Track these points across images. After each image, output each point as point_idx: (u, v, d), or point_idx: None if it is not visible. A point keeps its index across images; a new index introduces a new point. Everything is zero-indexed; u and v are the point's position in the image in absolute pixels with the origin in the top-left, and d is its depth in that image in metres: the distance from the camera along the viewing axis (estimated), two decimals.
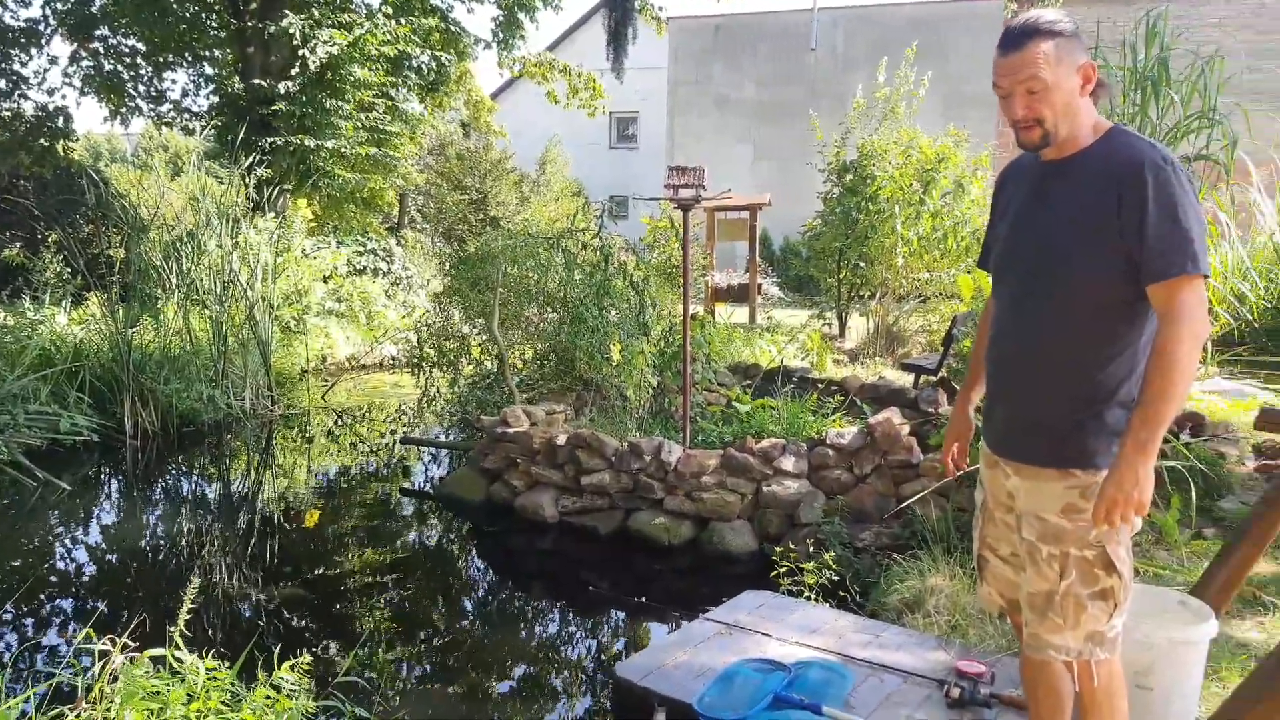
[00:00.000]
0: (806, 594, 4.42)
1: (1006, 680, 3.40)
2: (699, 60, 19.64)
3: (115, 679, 2.43)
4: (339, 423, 9.44)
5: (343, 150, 12.03)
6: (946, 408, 6.20)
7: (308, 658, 2.71)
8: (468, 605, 5.19)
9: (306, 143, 11.59)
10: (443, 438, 8.48)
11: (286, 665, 2.66)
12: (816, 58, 18.86)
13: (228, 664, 2.64)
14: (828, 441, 5.61)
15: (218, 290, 8.98)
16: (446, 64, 13.90)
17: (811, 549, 4.90)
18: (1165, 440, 2.38)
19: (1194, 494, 4.63)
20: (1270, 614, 3.86)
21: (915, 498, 5.09)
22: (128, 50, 13.73)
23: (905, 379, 7.88)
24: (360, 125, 12.30)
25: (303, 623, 4.71)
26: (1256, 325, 7.32)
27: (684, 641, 3.81)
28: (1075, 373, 2.22)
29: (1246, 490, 5.00)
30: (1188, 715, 3.11)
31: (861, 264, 10.47)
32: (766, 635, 3.83)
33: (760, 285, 11.98)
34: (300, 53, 11.39)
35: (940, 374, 7.56)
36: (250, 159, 9.99)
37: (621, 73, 17.15)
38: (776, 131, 19.07)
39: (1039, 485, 2.29)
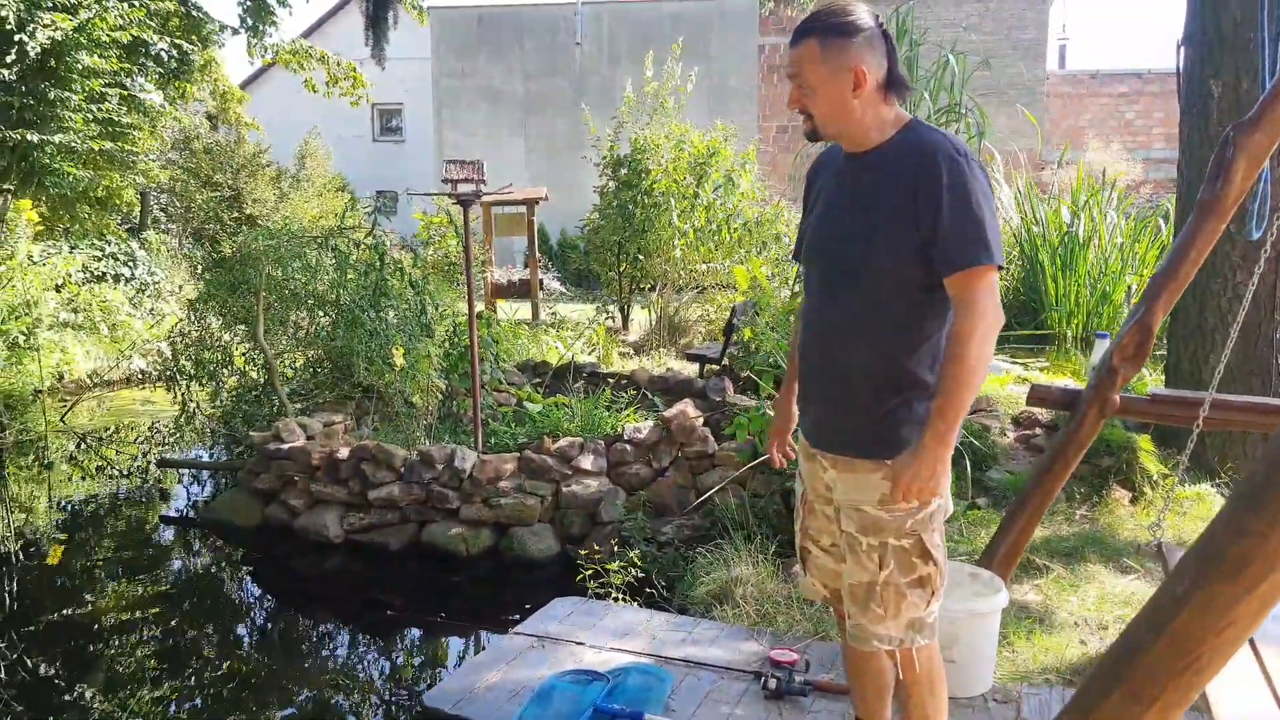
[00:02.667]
0: (614, 595, 4.34)
1: (818, 665, 3.45)
2: (463, 52, 19.21)
3: None
4: (82, 446, 8.45)
5: (72, 145, 10.78)
6: (734, 396, 6.31)
7: None
8: (247, 638, 4.71)
9: (29, 137, 10.29)
10: (206, 458, 7.77)
11: None
12: (582, 51, 18.91)
13: None
14: (625, 437, 5.56)
15: None
16: (189, 51, 12.79)
17: (616, 547, 4.83)
18: None
19: (968, 466, 4.93)
20: (1044, 576, 4.15)
21: (715, 489, 5.13)
22: None
23: (692, 369, 8.00)
24: (92, 118, 11.06)
25: (53, 670, 4.12)
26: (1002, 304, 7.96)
27: (495, 660, 3.62)
28: (883, 363, 2.23)
29: (1009, 460, 5.40)
30: (985, 682, 3.27)
31: (641, 257, 10.56)
32: (580, 644, 3.70)
33: (541, 280, 11.84)
34: (17, 38, 10.08)
35: (723, 362, 7.74)
36: None
37: (383, 60, 16.44)
38: (547, 125, 18.99)
39: (855, 477, 2.29)
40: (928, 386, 2.22)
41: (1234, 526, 1.24)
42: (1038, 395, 3.53)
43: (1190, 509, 4.79)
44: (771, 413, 5.28)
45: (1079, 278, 8.06)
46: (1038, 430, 5.80)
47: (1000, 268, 2.11)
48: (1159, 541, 3.05)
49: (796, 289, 8.22)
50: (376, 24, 16.03)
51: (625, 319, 11.21)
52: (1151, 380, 5.91)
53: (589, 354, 8.68)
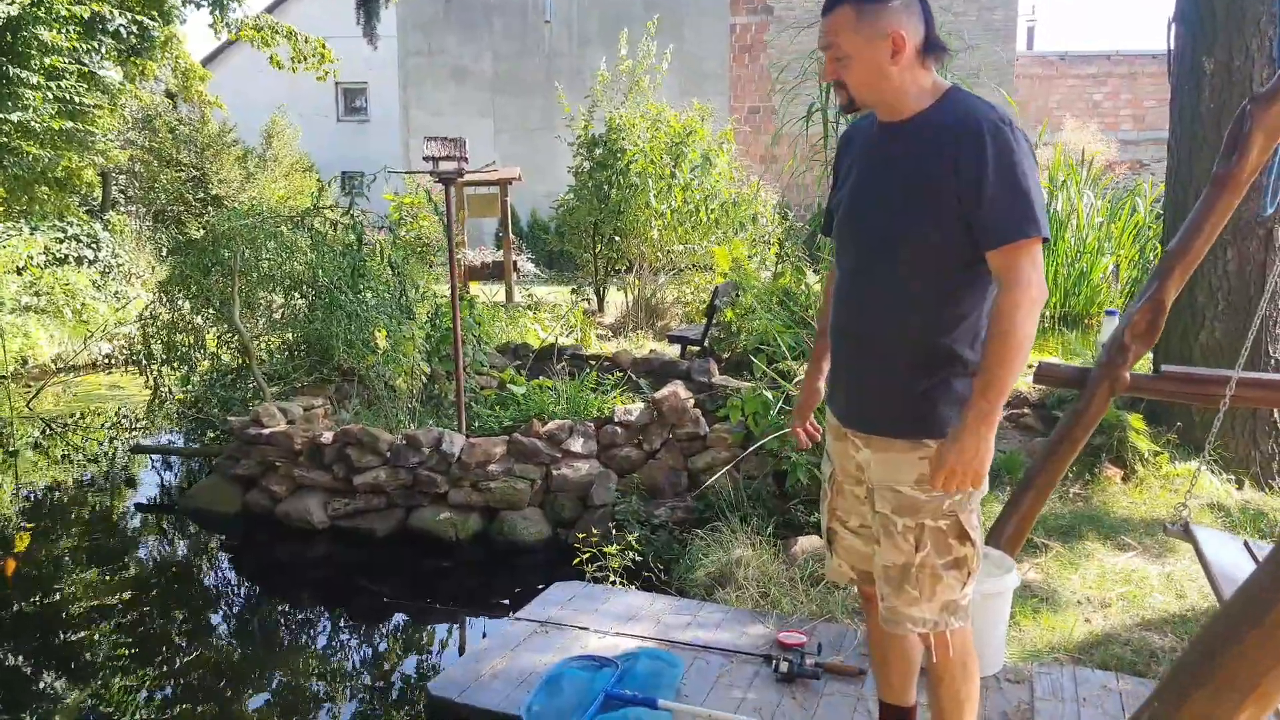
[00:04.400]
0: (612, 579, 4.28)
1: (828, 647, 3.42)
2: (430, 31, 18.90)
3: None
4: (48, 433, 8.22)
5: (30, 124, 10.44)
6: (720, 377, 6.26)
7: None
8: (234, 630, 4.57)
9: None
10: (180, 443, 7.58)
11: None
12: (552, 31, 18.69)
13: None
14: (615, 419, 5.49)
15: None
16: (150, 27, 12.43)
17: (612, 531, 4.77)
18: None
19: None
20: (1044, 554, 4.15)
21: (715, 474, 5.08)
22: None
23: (674, 351, 7.95)
24: (51, 95, 10.72)
25: (24, 661, 3.98)
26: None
27: (499, 646, 3.55)
28: (920, 340, 2.16)
29: (1000, 439, 5.36)
30: (997, 662, 3.26)
31: (617, 238, 10.47)
32: (585, 629, 3.64)
33: (515, 262, 11.70)
34: None
35: (705, 344, 7.70)
36: None
37: (375, 40, 16.15)
38: (516, 104, 18.76)
39: (891, 457, 2.22)
40: (967, 364, 2.15)
41: None
42: (1045, 373, 3.51)
43: (1189, 486, 4.81)
44: (767, 394, 5.27)
45: (1057, 257, 8.10)
46: (1026, 409, 5.82)
47: (1046, 240, 2.05)
48: (1184, 522, 3.04)
49: (778, 269, 8.18)
50: (369, 2, 15.71)
51: (601, 301, 11.13)
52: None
53: (568, 336, 8.59)
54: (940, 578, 2.22)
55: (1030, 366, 3.95)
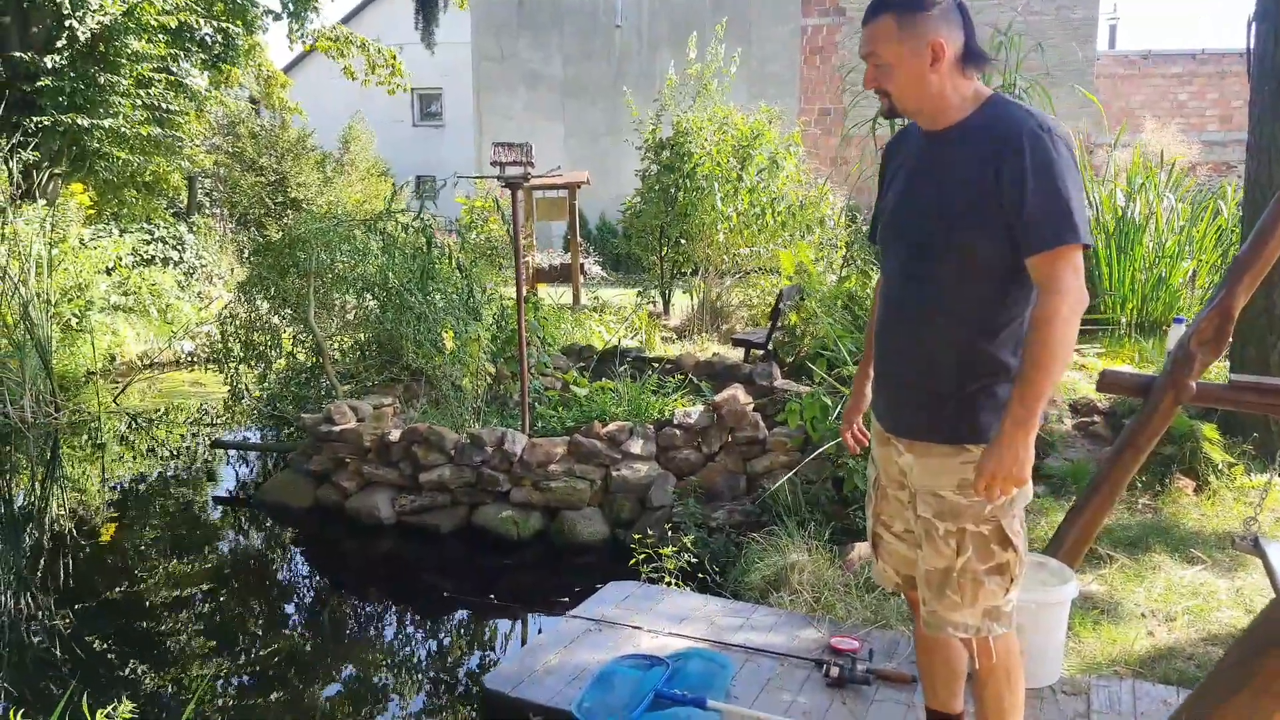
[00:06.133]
0: (668, 580, 4.32)
1: (880, 653, 3.41)
2: (503, 35, 19.18)
3: None
4: (134, 427, 8.58)
5: (121, 130, 10.91)
6: (782, 381, 6.25)
7: (128, 706, 2.33)
8: (305, 621, 4.74)
9: (79, 122, 10.43)
10: (256, 439, 7.84)
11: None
12: (622, 35, 18.82)
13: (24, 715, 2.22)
14: (675, 422, 5.53)
15: None
16: (234, 36, 12.90)
17: (669, 532, 4.81)
18: None
19: None
20: (1108, 566, 4.07)
21: (773, 478, 5.09)
22: None
23: (737, 355, 7.95)
24: (140, 102, 11.19)
25: (108, 647, 4.17)
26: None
27: (553, 643, 3.61)
28: (964, 345, 2.17)
29: (1067, 447, 5.30)
30: (1054, 673, 3.21)
31: (683, 241, 10.49)
32: (638, 628, 3.69)
33: (582, 265, 11.82)
34: (68, 23, 10.20)
35: (769, 347, 7.68)
36: (12, 141, 8.86)
37: (432, 45, 16.43)
38: (586, 108, 18.93)
39: (933, 462, 2.24)
40: (1010, 370, 2.16)
41: None
42: (1109, 381, 3.44)
43: (1254, 499, 4.66)
44: (826, 399, 5.26)
45: (1134, 262, 7.87)
46: (1096, 418, 5.69)
47: (1087, 247, 2.05)
48: (1255, 535, 2.96)
49: (844, 273, 8.13)
50: (426, 6, 16.03)
51: (666, 304, 11.17)
52: (1214, 367, 5.76)
53: (632, 339, 8.65)
54: (982, 583, 2.23)
55: (1092, 374, 3.87)
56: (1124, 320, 7.80)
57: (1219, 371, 5.21)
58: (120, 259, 11.04)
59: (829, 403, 5.13)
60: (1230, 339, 4.74)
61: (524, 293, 5.91)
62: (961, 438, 2.19)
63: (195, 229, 13.73)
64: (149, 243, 12.37)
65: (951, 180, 2.15)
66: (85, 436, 8.15)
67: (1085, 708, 3.05)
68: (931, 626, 2.30)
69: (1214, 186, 9.63)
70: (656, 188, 10.64)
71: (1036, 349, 2.02)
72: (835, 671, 3.23)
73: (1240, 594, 3.85)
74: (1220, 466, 4.86)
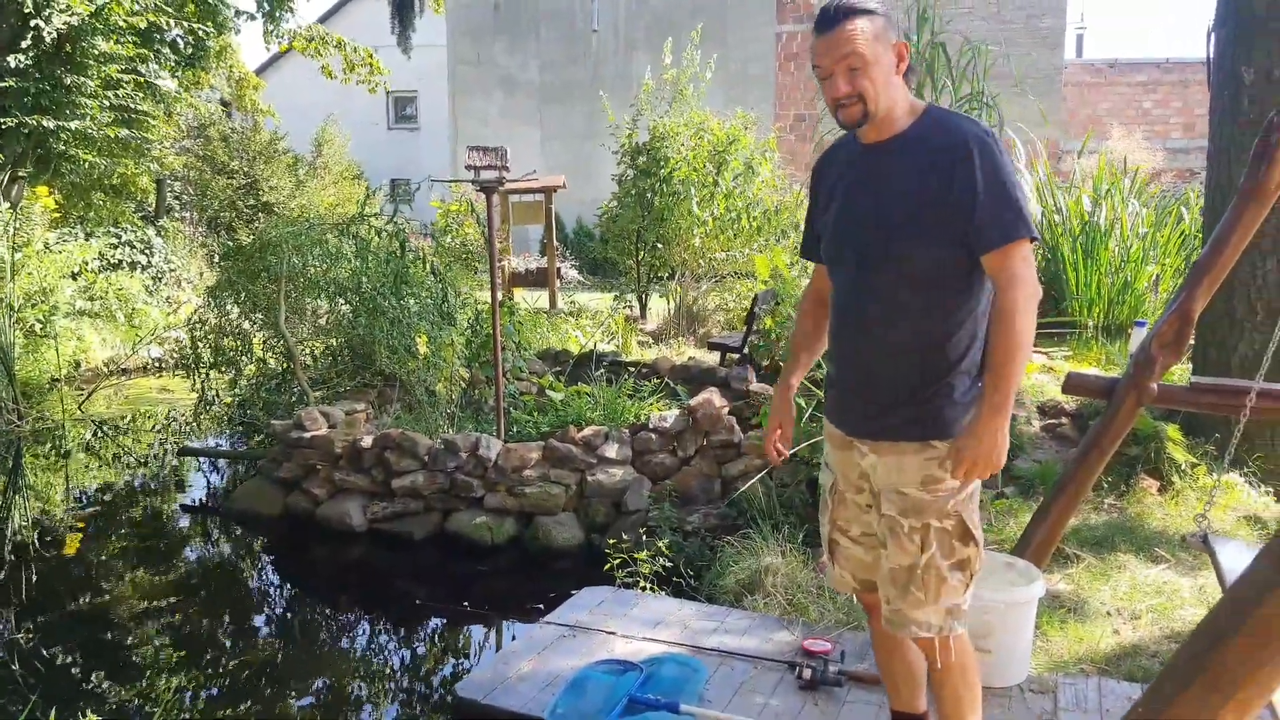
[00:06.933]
0: (642, 584, 4.33)
1: (853, 655, 3.44)
2: (479, 39, 19.15)
3: None
4: (100, 434, 8.49)
5: (88, 132, 10.78)
6: (757, 385, 6.28)
7: None
8: (275, 631, 4.71)
9: (44, 124, 10.30)
10: (225, 446, 7.78)
11: None
12: (599, 39, 18.84)
13: None
14: (650, 426, 5.54)
15: None
16: (204, 37, 12.80)
17: (644, 537, 4.82)
18: None
19: None
20: (1075, 565, 4.13)
21: (748, 481, 5.12)
22: None
23: (713, 358, 7.98)
24: (108, 104, 11.07)
25: (71, 659, 4.12)
26: None
27: (526, 649, 3.61)
28: (924, 346, 2.25)
29: (1035, 449, 5.36)
30: (1022, 672, 3.25)
31: (660, 245, 10.52)
32: (612, 633, 3.69)
33: (559, 269, 11.81)
34: (33, 23, 10.08)
35: (744, 351, 7.71)
36: None
37: (409, 47, 16.36)
38: (563, 112, 18.92)
39: (898, 460, 2.29)
40: (966, 366, 2.25)
41: None
42: (1074, 383, 3.50)
43: (1217, 498, 4.74)
44: (800, 401, 5.29)
45: (1101, 266, 7.98)
46: (1064, 419, 5.76)
47: (1034, 239, 2.15)
48: (1204, 533, 3.02)
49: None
50: (402, 10, 15.98)
51: (643, 308, 11.18)
52: (1178, 369, 5.85)
53: (608, 343, 8.66)
54: (945, 579, 2.29)
55: (1060, 377, 3.92)
56: (1091, 323, 7.90)
57: (1182, 373, 5.30)
58: (86, 263, 10.91)
59: (803, 404, 5.16)
60: (1191, 341, 4.82)
61: (499, 297, 5.91)
62: (927, 434, 2.26)
63: (164, 233, 13.61)
64: (116, 246, 12.24)
65: (890, 192, 2.23)
66: (49, 445, 8.05)
67: (1053, 706, 3.09)
68: (895, 625, 2.35)
69: (1178, 193, 9.78)
70: (633, 192, 10.66)
71: (1003, 338, 2.12)
72: (808, 674, 3.25)
73: (1203, 592, 3.91)
74: (1184, 467, 4.94)
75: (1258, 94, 4.81)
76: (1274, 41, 4.73)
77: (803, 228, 2.58)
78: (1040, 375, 6.24)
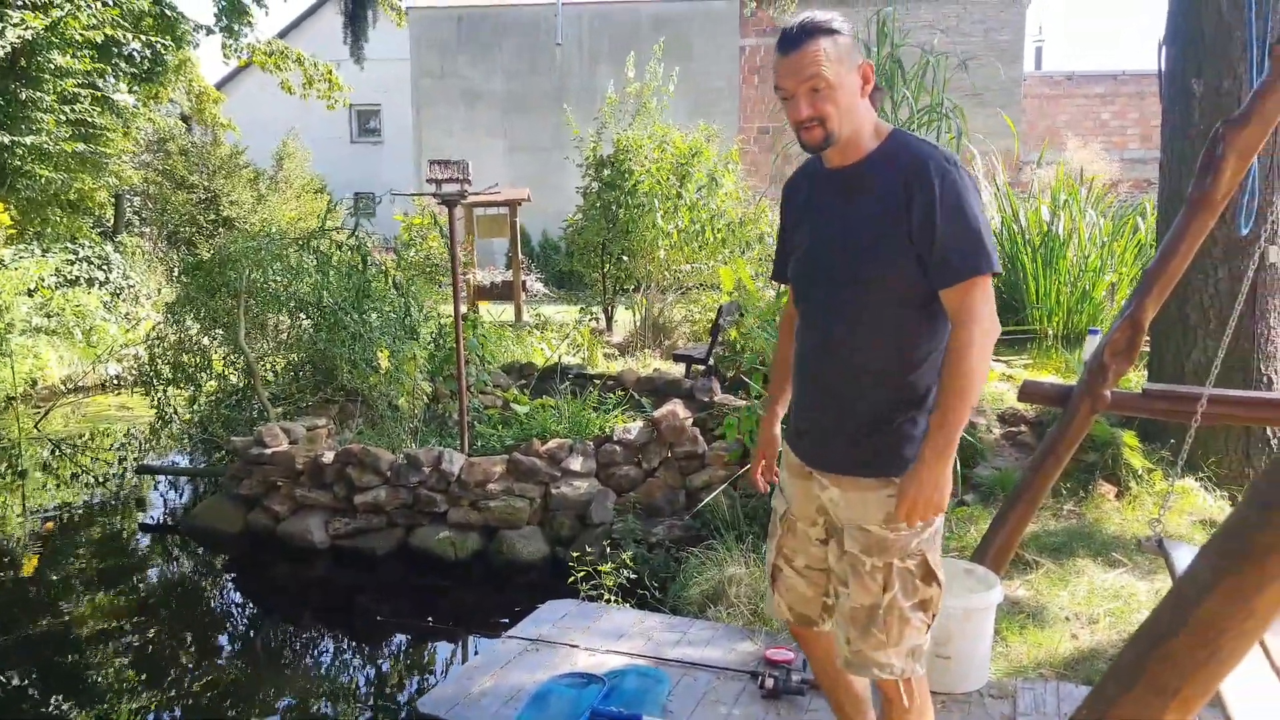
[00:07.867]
0: (607, 597, 4.32)
1: None
2: (443, 52, 19.12)
3: None
4: (57, 453, 8.34)
5: (44, 147, 10.63)
6: (721, 396, 6.30)
7: None
8: (237, 650, 4.65)
9: None
10: (185, 463, 7.67)
11: None
12: (563, 52, 18.88)
13: None
14: (615, 438, 5.54)
15: None
16: (163, 51, 12.68)
17: (608, 549, 4.81)
18: None
19: (956, 463, 4.93)
20: (1034, 571, 4.17)
21: (712, 492, 5.13)
22: None
23: (678, 370, 7.99)
24: (64, 119, 10.93)
25: (29, 682, 4.04)
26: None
27: (489, 664, 3.59)
28: (889, 379, 2.17)
29: (995, 456, 5.42)
30: (981, 678, 3.28)
31: (625, 257, 10.53)
32: (575, 646, 3.68)
33: (524, 282, 11.80)
34: None
35: (709, 363, 7.74)
36: None
37: (362, 60, 16.26)
38: (527, 125, 18.93)
39: (860, 496, 2.21)
40: (928, 402, 2.17)
41: (1258, 514, 1.23)
42: (1029, 391, 3.54)
43: (1173, 503, 4.82)
44: (763, 412, 5.31)
45: (1060, 276, 8.10)
46: (1023, 427, 5.83)
47: (996, 274, 2.08)
48: (1158, 537, 3.06)
49: (781, 289, 8.23)
50: (355, 22, 15.90)
51: (609, 320, 11.18)
52: (1134, 376, 5.95)
53: (574, 355, 8.65)
54: (908, 620, 2.19)
55: (1019, 384, 3.97)
56: (1050, 332, 8.02)
57: (1139, 379, 5.38)
58: (43, 279, 10.75)
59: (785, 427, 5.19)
60: (1142, 349, 4.90)
61: (463, 310, 5.89)
62: (889, 469, 2.18)
63: (122, 248, 13.42)
64: (73, 263, 12.07)
65: (858, 215, 2.16)
66: (5, 464, 7.90)
67: (1012, 710, 3.11)
68: (855, 667, 2.26)
69: (1134, 203, 9.96)
70: (598, 205, 10.66)
71: (955, 377, 2.04)
72: (770, 683, 3.25)
73: (1159, 595, 3.96)
74: (1140, 472, 5.01)
75: (1208, 107, 4.91)
76: (1222, 57, 4.84)
77: (774, 252, 2.49)
78: (1000, 383, 6.31)
